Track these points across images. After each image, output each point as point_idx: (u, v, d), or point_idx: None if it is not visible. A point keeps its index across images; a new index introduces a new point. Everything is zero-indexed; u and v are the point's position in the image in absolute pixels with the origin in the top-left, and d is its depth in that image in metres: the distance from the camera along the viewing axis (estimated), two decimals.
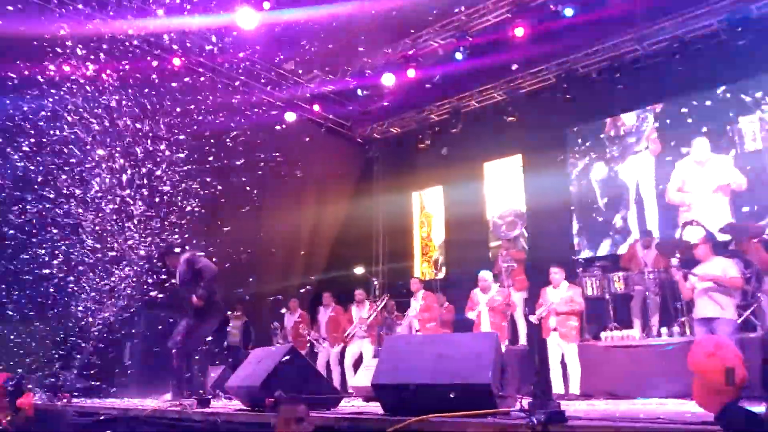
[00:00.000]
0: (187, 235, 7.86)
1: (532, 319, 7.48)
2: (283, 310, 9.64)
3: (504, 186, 11.84)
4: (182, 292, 6.16)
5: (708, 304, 5.92)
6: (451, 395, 3.47)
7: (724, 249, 7.57)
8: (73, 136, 8.10)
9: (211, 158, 9.27)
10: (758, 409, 2.34)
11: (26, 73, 7.71)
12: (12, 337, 7.59)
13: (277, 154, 10.50)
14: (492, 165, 12.09)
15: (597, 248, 10.34)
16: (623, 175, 10.35)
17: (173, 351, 6.03)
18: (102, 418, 5.33)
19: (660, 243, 8.19)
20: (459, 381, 3.57)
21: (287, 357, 4.59)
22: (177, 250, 6.42)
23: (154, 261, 8.15)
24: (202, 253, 6.31)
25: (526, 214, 11.30)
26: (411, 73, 10.70)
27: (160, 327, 7.86)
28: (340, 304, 9.51)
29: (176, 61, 9.84)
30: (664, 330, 7.48)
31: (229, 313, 9.49)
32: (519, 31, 9.38)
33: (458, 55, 10.23)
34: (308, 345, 9.22)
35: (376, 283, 10.13)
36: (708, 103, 9.55)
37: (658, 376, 6.58)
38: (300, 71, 11.51)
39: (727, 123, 9.29)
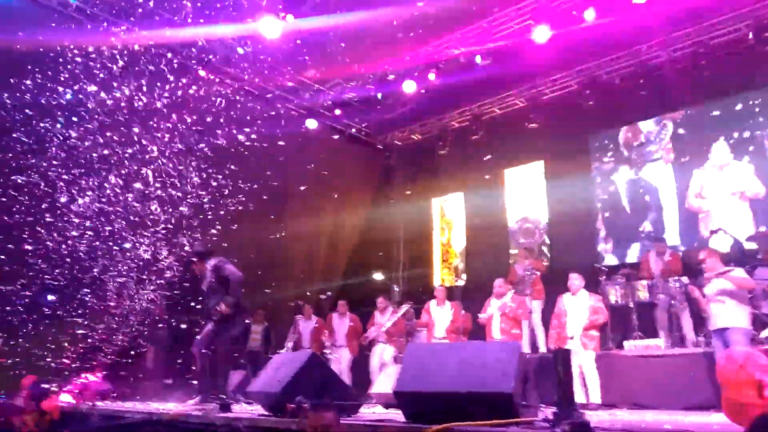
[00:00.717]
0: (208, 242, 7.95)
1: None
2: (299, 316, 9.68)
3: (525, 193, 11.77)
4: (208, 299, 6.19)
5: (720, 314, 5.90)
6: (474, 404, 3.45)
7: (752, 258, 7.46)
8: (101, 145, 8.26)
9: (233, 166, 9.39)
10: None
11: (52, 84, 7.89)
12: (39, 340, 7.73)
13: (299, 160, 10.59)
14: (513, 171, 12.03)
15: (624, 255, 10.19)
16: (644, 181, 10.24)
17: (197, 354, 6.05)
18: (126, 421, 5.39)
19: (686, 252, 8.07)
20: (481, 389, 3.54)
21: (308, 363, 4.60)
22: (202, 256, 6.45)
23: (180, 268, 8.26)
24: (227, 260, 6.32)
25: (549, 222, 11.22)
26: (432, 76, 10.69)
27: (183, 333, 7.97)
28: (355, 312, 9.51)
29: (201, 72, 9.97)
30: (689, 338, 7.37)
31: (249, 319, 9.57)
32: (541, 35, 9.26)
33: (477, 59, 10.18)
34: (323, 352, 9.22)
35: (396, 289, 10.09)
36: (738, 107, 9.37)
37: (683, 386, 6.48)
38: (322, 79, 11.59)
39: (758, 128, 9.12)
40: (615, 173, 10.67)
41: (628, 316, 7.82)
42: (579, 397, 6.68)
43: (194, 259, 6.47)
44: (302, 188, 10.73)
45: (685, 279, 7.41)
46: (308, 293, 10.45)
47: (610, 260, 10.18)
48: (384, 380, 6.56)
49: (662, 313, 7.87)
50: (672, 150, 9.99)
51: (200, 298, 6.46)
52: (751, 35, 8.89)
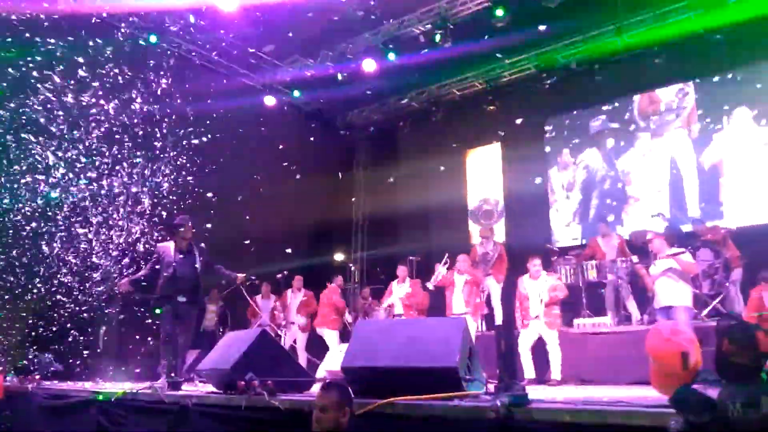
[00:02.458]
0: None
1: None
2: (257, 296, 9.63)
3: (484, 174, 11.91)
4: (195, 278, 6.07)
5: (665, 293, 6.17)
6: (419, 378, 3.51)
7: (693, 239, 7.75)
8: (49, 121, 7.97)
9: (186, 143, 9.19)
10: (712, 392, 2.40)
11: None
12: None
13: (256, 138, 10.44)
14: (473, 153, 12.15)
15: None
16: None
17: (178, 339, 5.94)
18: (72, 400, 5.30)
19: (633, 233, 8.32)
20: (427, 364, 3.60)
21: (259, 340, 4.60)
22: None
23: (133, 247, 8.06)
24: None
25: (505, 203, 11.39)
26: (392, 56, 10.62)
27: (134, 311, 7.82)
28: (309, 288, 9.49)
29: (153, 38, 9.69)
30: (635, 317, 7.63)
31: (205, 298, 9.46)
32: (500, 12, 9.31)
33: (437, 37, 10.09)
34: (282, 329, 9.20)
35: (353, 268, 10.12)
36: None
37: (628, 362, 6.70)
38: (280, 55, 11.40)
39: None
40: (581, 154, 10.81)
41: (578, 295, 8.03)
42: (531, 374, 6.84)
43: (190, 227, 6.21)
44: (259, 168, 10.57)
45: (635, 258, 7.63)
46: (265, 274, 10.33)
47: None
48: (336, 357, 6.60)
49: (610, 292, 8.12)
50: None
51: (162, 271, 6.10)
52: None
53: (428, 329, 3.85)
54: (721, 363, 2.32)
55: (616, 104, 10.54)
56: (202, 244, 6.31)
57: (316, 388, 5.00)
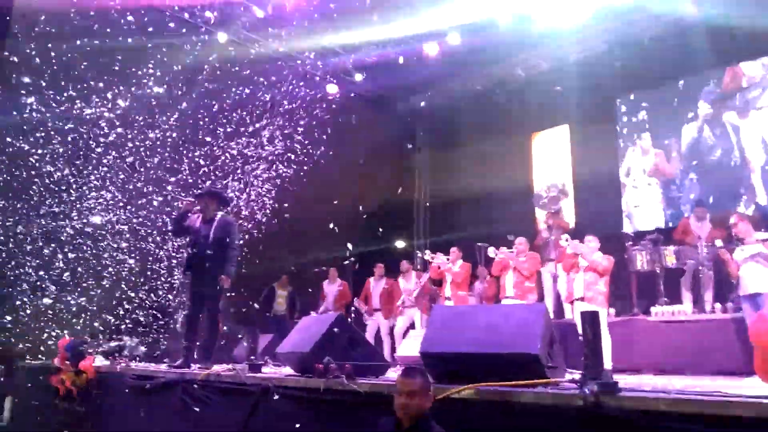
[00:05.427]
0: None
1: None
2: (325, 282, 9.83)
3: (551, 158, 11.60)
4: (204, 250, 5.89)
5: (753, 279, 5.87)
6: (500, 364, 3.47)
7: None
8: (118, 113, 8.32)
9: (253, 131, 9.40)
10: None
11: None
12: (78, 303, 7.95)
13: (319, 126, 10.55)
14: (539, 136, 11.86)
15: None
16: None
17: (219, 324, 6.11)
18: (158, 381, 5.55)
19: (717, 215, 7.93)
20: (508, 350, 3.56)
21: (335, 324, 4.67)
22: (219, 200, 6.23)
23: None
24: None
25: (575, 187, 11.06)
26: (455, 40, 10.46)
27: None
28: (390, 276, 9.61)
29: (221, 37, 9.92)
30: (717, 306, 7.29)
31: (275, 283, 9.72)
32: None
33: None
34: (353, 315, 9.35)
35: (420, 255, 10.14)
36: None
37: (710, 351, 6.43)
38: (341, 42, 11.43)
39: None
40: (654, 135, 10.29)
41: (654, 281, 7.74)
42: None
43: (209, 198, 6.15)
44: (322, 154, 10.69)
45: (718, 242, 7.25)
46: (330, 260, 10.49)
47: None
48: (410, 343, 6.63)
49: (689, 278, 7.77)
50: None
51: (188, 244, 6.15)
52: None
53: (508, 315, 3.80)
54: None
55: (697, 81, 9.92)
56: (237, 221, 6.23)
57: (392, 373, 5.06)
